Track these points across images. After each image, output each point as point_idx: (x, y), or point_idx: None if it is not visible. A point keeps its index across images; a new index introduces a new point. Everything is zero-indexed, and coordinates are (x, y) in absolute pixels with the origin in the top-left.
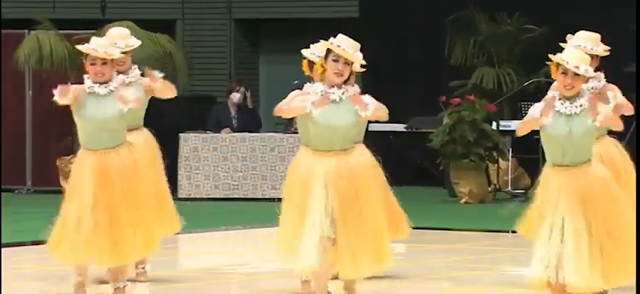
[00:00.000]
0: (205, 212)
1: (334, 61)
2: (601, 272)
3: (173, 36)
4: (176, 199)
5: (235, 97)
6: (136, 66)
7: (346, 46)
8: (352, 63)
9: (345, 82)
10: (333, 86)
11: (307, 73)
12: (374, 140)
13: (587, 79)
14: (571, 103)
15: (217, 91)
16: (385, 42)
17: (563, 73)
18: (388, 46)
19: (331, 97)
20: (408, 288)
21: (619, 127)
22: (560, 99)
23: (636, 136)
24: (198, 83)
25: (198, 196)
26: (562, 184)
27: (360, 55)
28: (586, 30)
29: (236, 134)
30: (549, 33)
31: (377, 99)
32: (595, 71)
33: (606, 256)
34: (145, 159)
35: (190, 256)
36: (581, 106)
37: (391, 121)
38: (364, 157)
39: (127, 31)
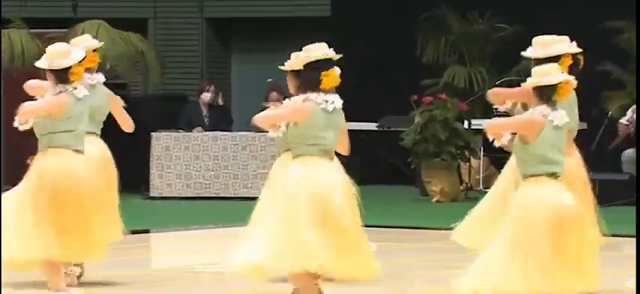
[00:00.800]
0: (177, 211)
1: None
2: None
3: (145, 35)
4: (148, 197)
5: (207, 96)
6: (100, 73)
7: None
8: None
9: None
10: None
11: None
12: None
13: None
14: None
15: (189, 89)
16: (357, 41)
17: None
18: (360, 44)
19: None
20: (379, 286)
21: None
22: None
23: (636, 136)
24: (170, 82)
25: (170, 195)
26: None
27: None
28: (558, 28)
29: (208, 133)
30: (521, 32)
31: (349, 98)
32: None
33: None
34: (94, 166)
35: (162, 254)
36: None
37: (363, 120)
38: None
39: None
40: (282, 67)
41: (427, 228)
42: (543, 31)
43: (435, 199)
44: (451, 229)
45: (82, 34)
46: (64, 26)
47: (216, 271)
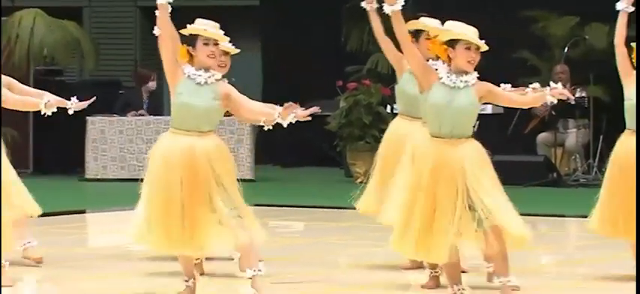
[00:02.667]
0: (112, 192)
1: (205, 44)
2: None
3: (80, 23)
4: (84, 179)
5: (153, 85)
6: None
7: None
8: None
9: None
10: (201, 69)
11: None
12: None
13: None
14: (457, 77)
15: (123, 75)
16: (284, 29)
17: (467, 48)
18: (287, 32)
19: (197, 80)
20: (305, 265)
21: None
22: (447, 72)
23: (636, 135)
24: (104, 68)
25: (104, 177)
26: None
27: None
28: (475, 17)
29: (141, 118)
30: (441, 21)
31: (277, 83)
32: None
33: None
34: None
35: (97, 234)
36: (466, 81)
37: None
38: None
39: None
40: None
41: (351, 208)
42: (462, 20)
43: (359, 180)
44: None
45: (20, 22)
46: (2, 14)
47: (148, 249)
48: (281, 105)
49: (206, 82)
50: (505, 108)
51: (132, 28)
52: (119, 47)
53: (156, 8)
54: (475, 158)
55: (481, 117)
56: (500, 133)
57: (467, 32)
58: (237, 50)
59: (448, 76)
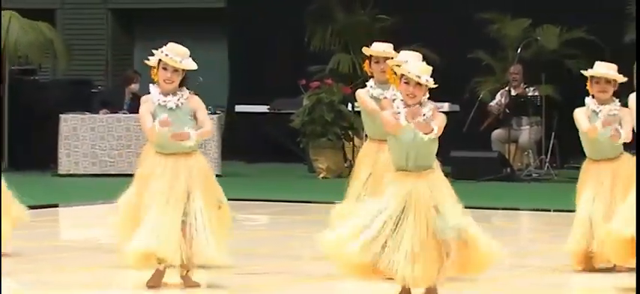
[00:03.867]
0: (83, 187)
1: (164, 69)
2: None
3: (53, 24)
4: (56, 174)
5: (136, 87)
6: None
7: (173, 54)
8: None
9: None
10: (168, 94)
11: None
12: (240, 121)
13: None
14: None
15: (95, 75)
16: (250, 30)
17: (406, 82)
18: (252, 34)
19: (168, 106)
20: (270, 257)
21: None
22: (405, 107)
23: (637, 135)
24: (76, 68)
25: (77, 172)
26: (409, 188)
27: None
28: (432, 20)
29: (112, 115)
30: (400, 22)
31: (243, 82)
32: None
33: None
34: None
35: (69, 228)
36: (424, 115)
37: (255, 103)
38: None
39: None
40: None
41: (314, 202)
42: (420, 22)
43: (321, 175)
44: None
45: None
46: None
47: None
48: (247, 103)
49: (178, 107)
50: (461, 106)
51: (103, 29)
52: (91, 48)
53: (126, 9)
54: (440, 187)
55: None
56: (456, 130)
57: (407, 67)
58: (195, 67)
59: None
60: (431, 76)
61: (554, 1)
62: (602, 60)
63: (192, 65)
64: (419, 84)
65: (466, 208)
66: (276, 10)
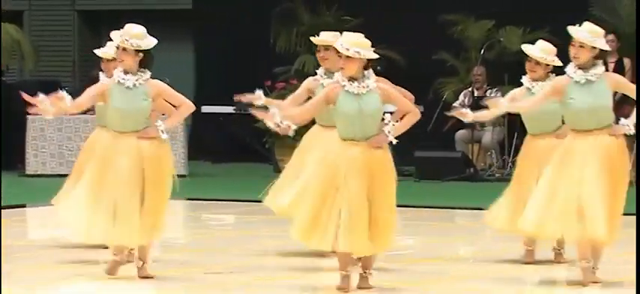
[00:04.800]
0: (51, 187)
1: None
2: (369, 238)
3: (21, 25)
4: (24, 175)
5: None
6: None
7: (126, 34)
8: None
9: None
10: (128, 73)
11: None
12: (206, 121)
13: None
14: (359, 84)
15: (62, 76)
16: (216, 31)
17: (338, 56)
18: (219, 35)
19: (126, 84)
20: (236, 255)
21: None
22: (349, 80)
23: (636, 135)
24: (44, 69)
25: (44, 173)
26: (350, 156)
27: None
28: (396, 21)
29: (80, 116)
30: (364, 23)
31: (209, 83)
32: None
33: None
34: None
35: (37, 227)
36: (368, 86)
37: (222, 103)
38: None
39: None
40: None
41: None
42: (385, 23)
43: None
44: None
45: None
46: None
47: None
48: (214, 104)
49: (135, 85)
50: (425, 107)
51: (70, 30)
52: (58, 49)
53: (93, 11)
54: (382, 160)
55: None
56: (420, 130)
57: (339, 40)
58: (150, 45)
59: (350, 84)
60: (396, 77)
61: (517, 3)
62: (564, 61)
63: (140, 45)
64: (348, 56)
65: (430, 207)
66: (242, 12)
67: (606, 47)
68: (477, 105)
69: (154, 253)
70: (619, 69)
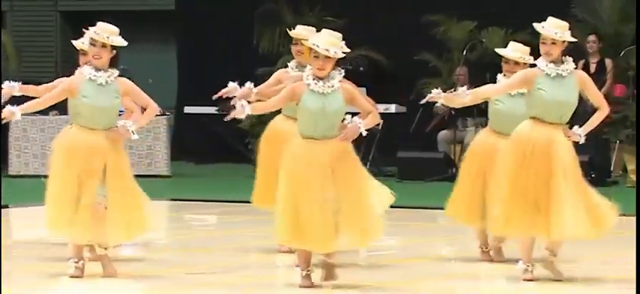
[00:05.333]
0: (33, 188)
1: (93, 45)
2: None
3: (3, 26)
4: (6, 175)
5: None
6: None
7: (101, 31)
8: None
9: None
10: (100, 70)
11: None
12: (189, 122)
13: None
14: (324, 84)
15: (45, 77)
16: (199, 32)
17: (315, 56)
18: (201, 35)
19: (98, 81)
20: (219, 256)
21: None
22: (314, 79)
23: (636, 135)
24: (26, 70)
25: (27, 173)
26: (312, 155)
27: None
28: (379, 21)
29: (62, 116)
30: (346, 24)
31: (192, 84)
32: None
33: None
34: None
35: (21, 228)
36: (332, 86)
37: (205, 104)
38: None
39: None
40: None
41: None
42: (367, 24)
43: None
44: None
45: None
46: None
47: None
48: (197, 105)
49: (107, 82)
50: (408, 107)
51: (53, 31)
52: (41, 50)
53: (76, 12)
54: (344, 155)
55: (385, 116)
56: (403, 131)
57: (314, 41)
58: (125, 43)
59: (315, 84)
60: (379, 78)
61: (499, 4)
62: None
63: (120, 42)
64: (327, 57)
65: (412, 208)
66: (225, 12)
67: (572, 39)
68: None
69: (138, 252)
70: (601, 70)
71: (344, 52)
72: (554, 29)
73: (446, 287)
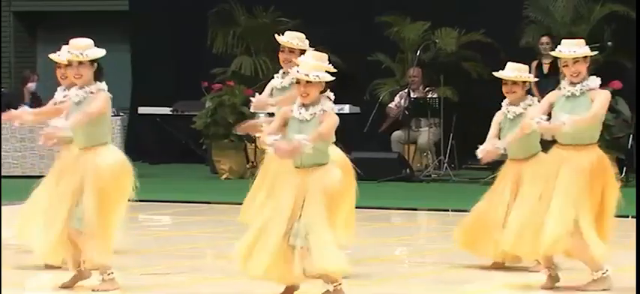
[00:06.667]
0: (4, 189)
1: (69, 65)
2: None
3: None
4: None
5: (32, 86)
6: None
7: (74, 49)
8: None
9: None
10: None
11: None
12: (143, 122)
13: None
14: (306, 110)
15: None
16: (154, 33)
17: (297, 82)
18: (155, 36)
19: (74, 100)
20: (173, 257)
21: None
22: (299, 106)
23: (636, 136)
24: None
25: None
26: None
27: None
28: (332, 22)
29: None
30: (300, 25)
31: (146, 84)
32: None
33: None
34: None
35: None
36: (314, 114)
37: (159, 104)
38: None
39: None
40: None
41: (217, 203)
42: (321, 25)
43: (224, 176)
44: (241, 204)
45: None
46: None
47: (21, 243)
48: (151, 105)
49: (81, 101)
50: (361, 108)
51: (7, 32)
52: None
53: (29, 12)
54: (320, 185)
55: (339, 116)
56: (357, 131)
57: (299, 66)
58: (102, 53)
59: (299, 112)
60: (334, 77)
61: (452, 5)
62: (498, 62)
63: (96, 54)
64: (309, 82)
65: (366, 208)
66: (179, 13)
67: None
68: (413, 106)
69: None
70: (554, 70)
71: (329, 72)
72: (578, 48)
73: (400, 288)
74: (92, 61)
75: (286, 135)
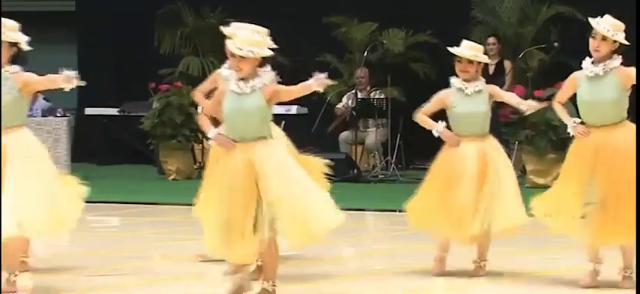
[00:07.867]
0: None
1: None
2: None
3: None
4: None
5: None
6: None
7: None
8: None
9: None
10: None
11: None
12: (90, 123)
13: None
14: (245, 84)
15: None
16: (100, 34)
17: (232, 55)
18: (102, 37)
19: None
20: (121, 258)
21: None
22: (237, 80)
23: (636, 134)
24: None
25: None
26: (243, 158)
27: None
28: (279, 21)
29: None
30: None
31: (92, 85)
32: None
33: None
34: None
35: None
36: (253, 87)
37: (106, 105)
38: None
39: None
40: None
41: (164, 203)
42: (269, 25)
43: (171, 177)
44: (189, 204)
45: None
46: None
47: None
48: (98, 106)
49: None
50: (309, 108)
51: None
52: None
53: None
54: (267, 157)
55: (287, 117)
56: (305, 131)
57: (232, 41)
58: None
59: (237, 84)
60: (281, 78)
61: (400, 5)
62: (445, 63)
63: (16, 38)
64: (242, 57)
65: None
66: (126, 13)
67: (625, 42)
68: (360, 107)
69: (38, 254)
70: (500, 71)
71: (271, 48)
72: (607, 26)
73: (346, 288)
74: (12, 44)
75: (222, 107)
